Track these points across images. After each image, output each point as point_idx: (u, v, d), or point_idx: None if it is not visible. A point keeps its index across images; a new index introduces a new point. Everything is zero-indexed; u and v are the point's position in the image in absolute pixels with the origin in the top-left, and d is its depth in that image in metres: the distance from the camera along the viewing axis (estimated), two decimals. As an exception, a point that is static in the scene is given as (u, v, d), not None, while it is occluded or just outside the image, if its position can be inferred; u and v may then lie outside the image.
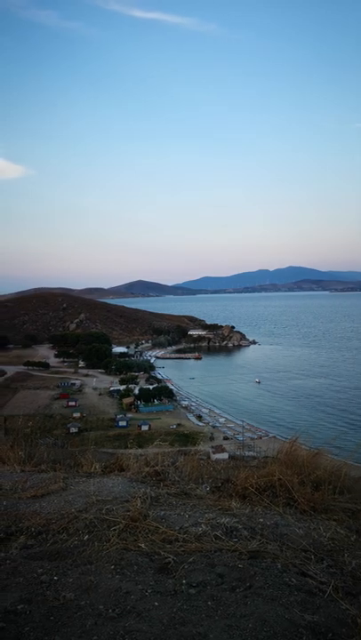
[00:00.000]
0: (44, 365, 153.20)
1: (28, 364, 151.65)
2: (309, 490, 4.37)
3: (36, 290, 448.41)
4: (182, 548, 3.24)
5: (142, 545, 3.31)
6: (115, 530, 3.52)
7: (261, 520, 3.80)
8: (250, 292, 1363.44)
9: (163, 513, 3.91)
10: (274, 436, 74.93)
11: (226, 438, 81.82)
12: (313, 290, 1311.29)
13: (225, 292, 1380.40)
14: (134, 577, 2.88)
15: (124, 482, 4.79)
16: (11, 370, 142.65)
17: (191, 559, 3.08)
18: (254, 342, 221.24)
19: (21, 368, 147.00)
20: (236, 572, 2.93)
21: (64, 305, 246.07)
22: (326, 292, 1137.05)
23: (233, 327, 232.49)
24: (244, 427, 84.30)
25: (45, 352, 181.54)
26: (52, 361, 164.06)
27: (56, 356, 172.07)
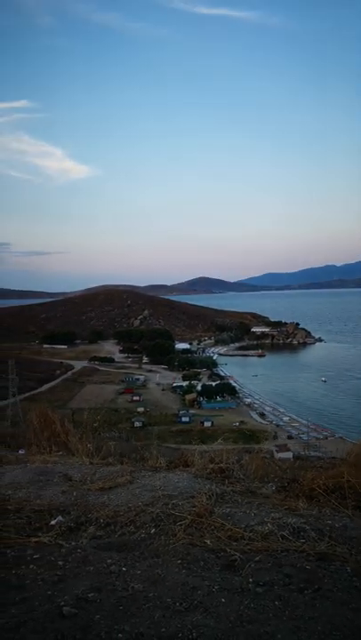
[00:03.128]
0: (110, 360, 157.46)
1: (94, 359, 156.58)
2: (380, 493, 4.21)
3: (102, 287, 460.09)
4: (248, 547, 3.22)
5: (208, 541, 3.32)
6: (181, 525, 3.55)
7: (329, 522, 3.71)
8: (316, 288, 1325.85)
9: (228, 510, 3.90)
10: (341, 437, 72.42)
11: (290, 437, 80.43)
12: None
13: (290, 289, 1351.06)
14: (201, 572, 2.90)
15: (189, 477, 4.83)
16: (78, 365, 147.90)
17: (257, 558, 3.06)
18: (320, 340, 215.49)
19: (88, 363, 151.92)
20: (304, 574, 2.88)
21: (129, 302, 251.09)
22: None
23: (298, 324, 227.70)
24: (309, 426, 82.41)
25: (110, 347, 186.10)
26: (117, 356, 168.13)
27: (121, 351, 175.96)
